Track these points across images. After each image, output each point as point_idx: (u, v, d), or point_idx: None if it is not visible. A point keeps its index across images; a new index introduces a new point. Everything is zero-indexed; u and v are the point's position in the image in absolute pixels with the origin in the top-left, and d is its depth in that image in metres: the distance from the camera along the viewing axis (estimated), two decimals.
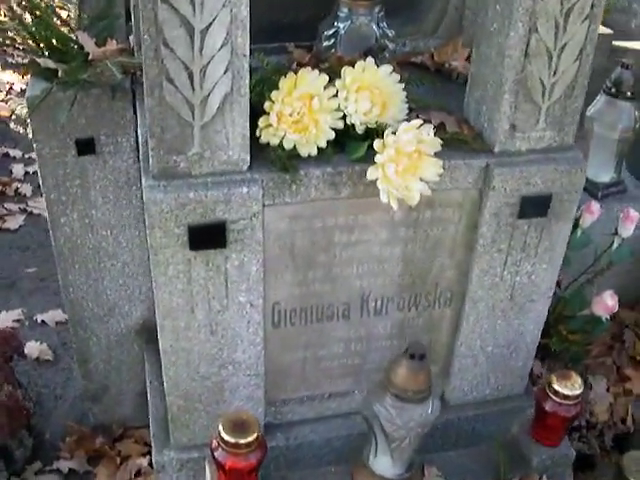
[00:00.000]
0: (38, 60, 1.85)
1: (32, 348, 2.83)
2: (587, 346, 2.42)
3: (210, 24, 1.38)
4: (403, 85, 1.64)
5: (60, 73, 1.82)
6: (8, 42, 1.93)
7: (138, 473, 2.36)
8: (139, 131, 1.77)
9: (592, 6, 1.55)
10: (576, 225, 2.20)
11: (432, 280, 1.82)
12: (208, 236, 1.57)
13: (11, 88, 4.64)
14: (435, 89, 1.86)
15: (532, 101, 1.64)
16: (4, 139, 4.12)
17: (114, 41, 1.89)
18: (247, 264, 1.63)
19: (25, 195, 3.71)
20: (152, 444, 1.94)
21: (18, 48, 1.91)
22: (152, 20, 1.35)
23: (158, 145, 1.48)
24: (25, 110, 1.79)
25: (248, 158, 1.54)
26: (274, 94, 1.53)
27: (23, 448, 2.34)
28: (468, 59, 1.88)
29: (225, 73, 1.43)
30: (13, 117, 4.16)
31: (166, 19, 1.35)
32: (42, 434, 2.51)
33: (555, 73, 1.61)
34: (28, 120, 1.86)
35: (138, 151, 1.87)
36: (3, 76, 4.70)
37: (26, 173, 3.85)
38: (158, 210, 1.51)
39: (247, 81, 1.45)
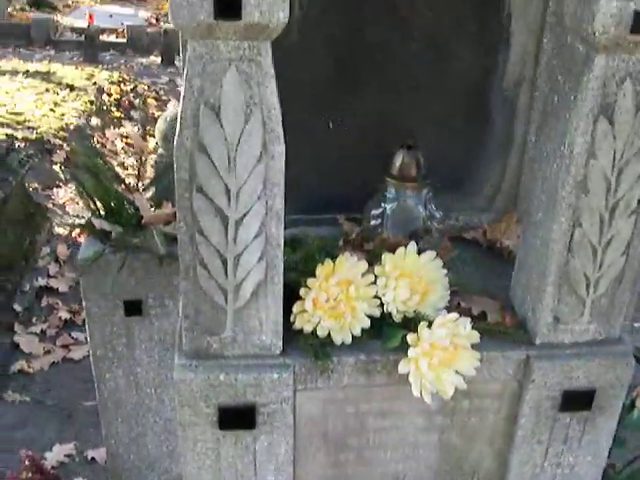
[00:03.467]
0: (94, 221, 1.91)
1: None
2: None
3: (245, 215, 1.40)
4: (446, 271, 1.63)
5: (113, 235, 1.88)
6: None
7: None
8: None
9: (639, 201, 1.52)
10: (632, 405, 2.11)
11: (470, 468, 1.76)
12: (238, 417, 1.56)
13: None
14: (484, 268, 1.84)
15: (576, 294, 1.59)
16: None
17: (170, 204, 1.94)
18: (276, 445, 1.60)
19: None
20: None
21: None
22: (188, 209, 1.39)
23: (191, 327, 1.50)
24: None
25: (280, 343, 1.54)
26: (310, 281, 1.53)
27: None
28: None
29: (259, 262, 1.44)
30: None
31: (201, 209, 1.38)
32: None
33: (600, 267, 1.57)
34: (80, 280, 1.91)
35: None
36: None
37: None
38: (188, 390, 1.51)
39: (281, 269, 1.46)
